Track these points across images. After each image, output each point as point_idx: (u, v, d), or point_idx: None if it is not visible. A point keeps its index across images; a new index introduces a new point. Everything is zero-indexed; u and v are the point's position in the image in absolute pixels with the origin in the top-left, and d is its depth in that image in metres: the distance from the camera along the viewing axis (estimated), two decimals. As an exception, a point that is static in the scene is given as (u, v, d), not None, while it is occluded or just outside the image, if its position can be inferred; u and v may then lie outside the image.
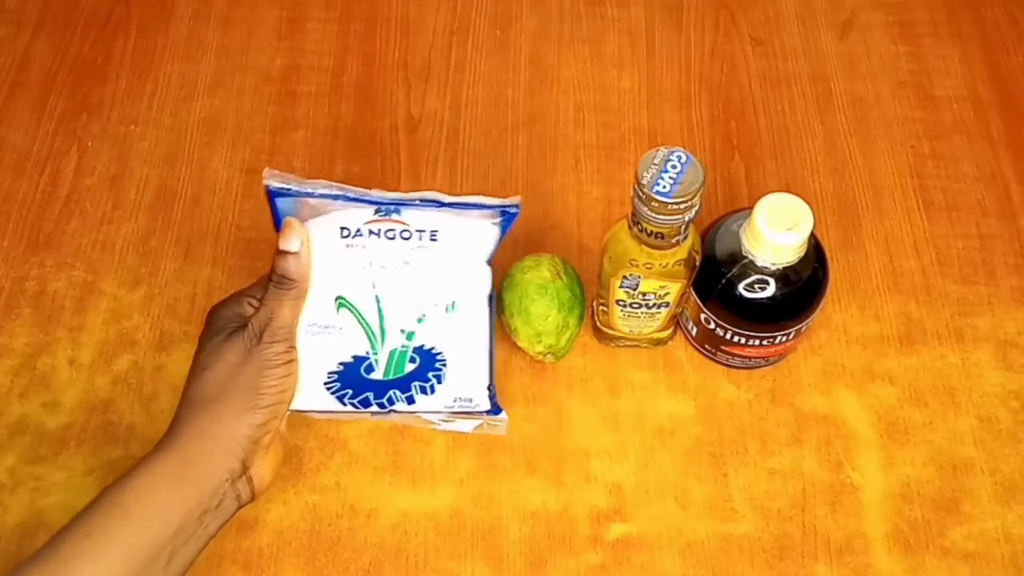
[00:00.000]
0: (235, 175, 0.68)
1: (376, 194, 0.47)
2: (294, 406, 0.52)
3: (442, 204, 0.48)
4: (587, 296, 0.59)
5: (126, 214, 0.66)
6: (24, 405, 0.59)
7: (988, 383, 0.60)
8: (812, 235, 0.50)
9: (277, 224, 0.48)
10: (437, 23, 0.75)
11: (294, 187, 0.46)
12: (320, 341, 0.51)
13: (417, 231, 0.49)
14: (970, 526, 0.55)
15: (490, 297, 0.52)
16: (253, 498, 0.49)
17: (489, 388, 0.54)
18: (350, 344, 0.51)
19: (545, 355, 0.58)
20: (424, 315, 0.51)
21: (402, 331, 0.51)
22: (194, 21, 0.75)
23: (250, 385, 0.47)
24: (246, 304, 0.49)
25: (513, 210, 0.49)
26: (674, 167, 0.45)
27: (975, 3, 0.76)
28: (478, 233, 0.50)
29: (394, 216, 0.48)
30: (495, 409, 0.54)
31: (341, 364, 0.52)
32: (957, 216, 0.66)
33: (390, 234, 0.49)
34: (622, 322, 0.57)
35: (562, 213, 0.66)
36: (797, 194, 0.50)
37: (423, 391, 0.53)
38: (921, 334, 0.61)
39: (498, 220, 0.50)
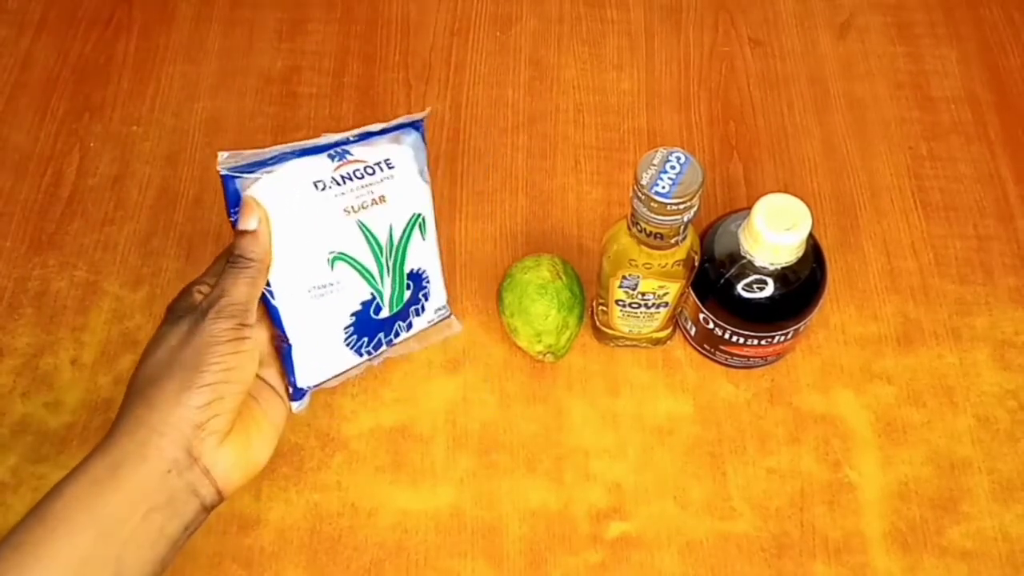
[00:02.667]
0: (236, 176, 0.68)
1: (323, 139, 0.50)
2: (319, 380, 0.51)
3: (372, 134, 0.51)
4: (587, 296, 0.60)
5: (128, 214, 0.66)
6: (26, 405, 0.59)
7: (986, 383, 0.60)
8: (810, 235, 0.50)
9: (229, 208, 0.48)
10: (437, 24, 0.75)
11: (247, 162, 0.47)
12: (325, 302, 0.50)
13: (375, 164, 0.51)
14: (968, 525, 0.55)
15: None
16: (220, 497, 0.45)
17: (446, 293, 0.57)
18: (354, 294, 0.51)
19: (545, 355, 0.58)
20: (407, 240, 0.53)
21: (395, 264, 0.52)
22: (196, 22, 0.75)
23: (189, 364, 0.43)
24: (195, 293, 0.47)
25: (420, 118, 0.53)
26: (673, 168, 0.46)
27: (973, 4, 0.76)
28: (415, 150, 0.53)
29: (348, 158, 0.50)
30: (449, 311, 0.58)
31: (353, 315, 0.52)
32: (955, 216, 0.66)
33: (358, 174, 0.50)
34: (621, 322, 0.57)
35: (562, 213, 0.66)
36: (795, 194, 0.50)
37: (417, 313, 0.55)
38: (919, 334, 0.62)
39: (418, 135, 0.53)
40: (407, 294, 0.54)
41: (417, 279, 0.54)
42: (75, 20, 0.75)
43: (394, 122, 0.52)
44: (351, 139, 0.51)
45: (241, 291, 0.46)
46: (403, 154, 0.52)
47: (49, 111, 0.71)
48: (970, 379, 0.60)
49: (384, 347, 0.54)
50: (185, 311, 0.46)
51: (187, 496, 0.43)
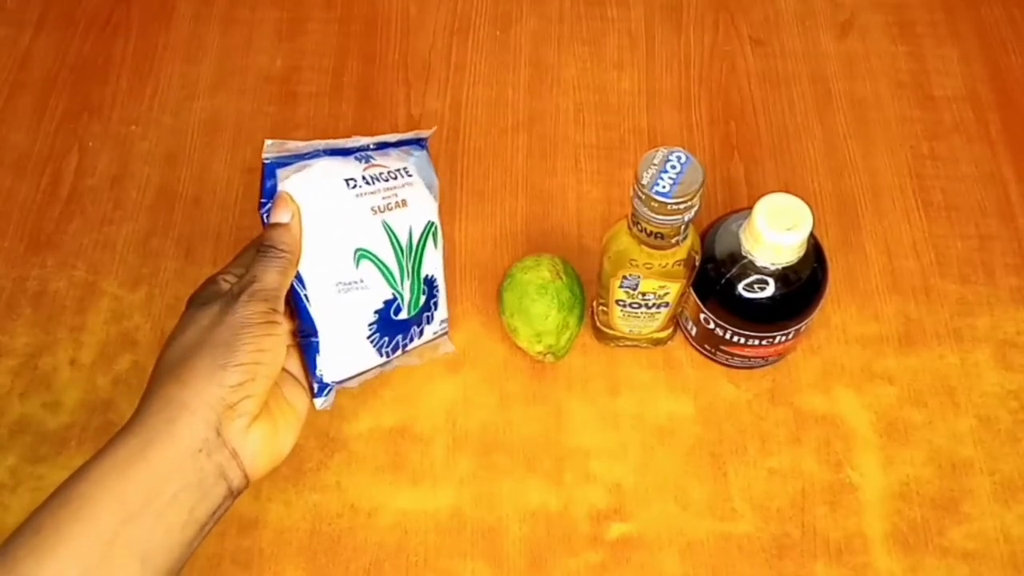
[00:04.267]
0: (236, 175, 0.68)
1: (348, 142, 0.51)
2: (344, 375, 0.51)
3: (387, 145, 0.54)
4: (587, 296, 0.59)
5: (127, 214, 0.66)
6: (25, 405, 0.59)
7: (987, 383, 0.60)
8: (811, 235, 0.50)
9: (262, 198, 0.48)
10: (437, 23, 0.75)
11: (290, 155, 0.49)
12: (352, 298, 0.50)
13: (396, 170, 0.53)
14: (969, 526, 0.55)
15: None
16: (247, 482, 0.45)
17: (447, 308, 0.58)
18: (377, 292, 0.52)
19: (545, 355, 0.58)
20: (424, 245, 0.54)
21: (413, 267, 0.53)
22: (195, 22, 0.75)
23: (223, 342, 0.43)
24: (221, 282, 0.47)
25: (425, 136, 0.57)
26: (674, 167, 0.46)
27: (974, 3, 0.76)
28: (420, 166, 0.55)
29: (373, 162, 0.52)
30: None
31: (376, 313, 0.52)
32: (956, 216, 0.66)
33: (383, 177, 0.52)
34: (622, 322, 0.57)
35: (562, 213, 0.66)
36: (796, 194, 0.50)
37: (428, 320, 0.55)
38: (920, 334, 0.62)
39: (424, 152, 0.56)
40: (423, 299, 0.54)
41: (431, 285, 0.55)
42: (74, 20, 0.75)
43: (405, 135, 0.55)
44: (371, 146, 0.52)
45: (273, 278, 0.46)
46: (413, 167, 0.54)
47: (48, 111, 0.71)
48: (971, 379, 0.60)
49: (400, 351, 0.54)
50: (212, 297, 0.46)
51: (216, 478, 0.43)
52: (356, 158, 0.51)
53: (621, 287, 0.53)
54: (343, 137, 0.51)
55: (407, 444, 0.58)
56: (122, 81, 0.72)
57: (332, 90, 0.72)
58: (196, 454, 0.42)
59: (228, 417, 0.43)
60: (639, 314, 0.56)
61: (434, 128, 0.57)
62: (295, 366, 0.51)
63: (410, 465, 0.57)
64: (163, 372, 0.44)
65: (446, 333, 0.58)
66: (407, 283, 0.53)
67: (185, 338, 0.44)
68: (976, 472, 0.57)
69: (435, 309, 0.56)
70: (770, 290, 0.52)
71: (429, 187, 0.55)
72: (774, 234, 0.49)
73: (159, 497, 0.41)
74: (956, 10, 0.76)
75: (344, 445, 0.58)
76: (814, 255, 0.53)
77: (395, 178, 0.52)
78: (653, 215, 0.46)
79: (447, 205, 0.66)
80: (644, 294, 0.53)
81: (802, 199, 0.49)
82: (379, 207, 0.51)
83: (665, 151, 0.46)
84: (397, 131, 0.69)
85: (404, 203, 0.52)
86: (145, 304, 0.62)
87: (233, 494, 0.44)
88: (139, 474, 0.41)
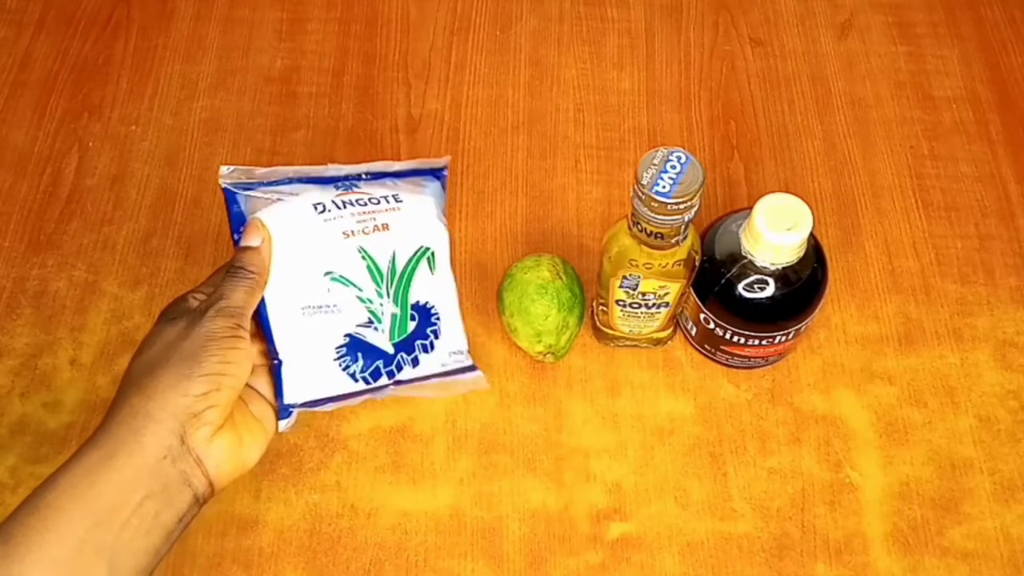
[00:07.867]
0: (236, 175, 0.68)
1: (332, 169, 0.51)
2: (307, 398, 0.51)
3: (386, 175, 0.53)
4: (587, 296, 0.59)
5: (127, 214, 0.66)
6: (25, 405, 0.59)
7: (987, 383, 0.60)
8: (811, 235, 0.50)
9: (233, 226, 0.49)
10: (437, 23, 0.75)
11: (254, 181, 0.49)
12: (318, 321, 0.50)
13: (381, 197, 0.53)
14: (969, 526, 0.55)
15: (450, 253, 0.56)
16: (212, 490, 0.46)
17: (468, 342, 0.56)
18: (350, 315, 0.51)
19: (545, 355, 0.58)
20: (412, 270, 0.53)
21: (396, 291, 0.53)
22: (195, 21, 0.75)
23: (189, 355, 0.44)
24: (191, 299, 0.49)
25: (442, 167, 0.56)
26: (674, 167, 0.46)
27: (974, 4, 0.76)
28: (435, 197, 0.55)
29: (355, 189, 0.52)
30: (474, 365, 0.55)
31: (347, 336, 0.51)
32: (956, 216, 0.66)
33: (360, 202, 0.51)
34: (622, 322, 0.57)
35: (562, 213, 0.66)
36: (796, 194, 0.50)
37: (424, 349, 0.54)
38: (920, 334, 0.62)
39: (438, 183, 0.56)
40: (411, 325, 0.53)
41: (424, 313, 0.54)
42: (74, 20, 0.75)
43: (411, 164, 0.54)
44: (364, 176, 0.53)
45: (240, 296, 0.47)
46: (422, 200, 0.54)
47: (48, 111, 0.71)
48: (971, 379, 0.60)
49: (384, 377, 0.53)
50: (181, 313, 0.47)
51: (180, 485, 0.44)
52: (336, 186, 0.51)
53: (621, 287, 0.53)
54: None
55: (407, 444, 0.58)
56: (122, 81, 0.72)
57: (332, 90, 0.72)
58: (161, 461, 0.43)
59: (192, 425, 0.44)
60: (639, 314, 0.56)
61: (448, 157, 0.57)
62: (265, 387, 0.51)
63: (410, 465, 0.57)
64: (129, 384, 0.45)
65: (474, 368, 0.55)
66: (387, 306, 0.52)
67: (151, 352, 0.45)
68: (976, 472, 0.57)
69: (436, 338, 0.54)
70: (770, 290, 0.52)
71: (439, 216, 0.54)
72: (774, 234, 0.49)
73: (126, 505, 0.42)
74: (956, 10, 0.76)
75: (344, 445, 0.58)
76: (814, 255, 0.53)
77: (377, 203, 0.52)
78: (653, 215, 0.46)
79: (447, 205, 0.66)
80: (644, 294, 0.53)
81: (802, 199, 0.50)
82: (352, 231, 0.51)
83: (665, 151, 0.46)
84: (397, 131, 0.70)
85: (385, 227, 0.52)
86: (145, 304, 0.62)
87: (199, 501, 0.45)
88: (107, 483, 0.42)
